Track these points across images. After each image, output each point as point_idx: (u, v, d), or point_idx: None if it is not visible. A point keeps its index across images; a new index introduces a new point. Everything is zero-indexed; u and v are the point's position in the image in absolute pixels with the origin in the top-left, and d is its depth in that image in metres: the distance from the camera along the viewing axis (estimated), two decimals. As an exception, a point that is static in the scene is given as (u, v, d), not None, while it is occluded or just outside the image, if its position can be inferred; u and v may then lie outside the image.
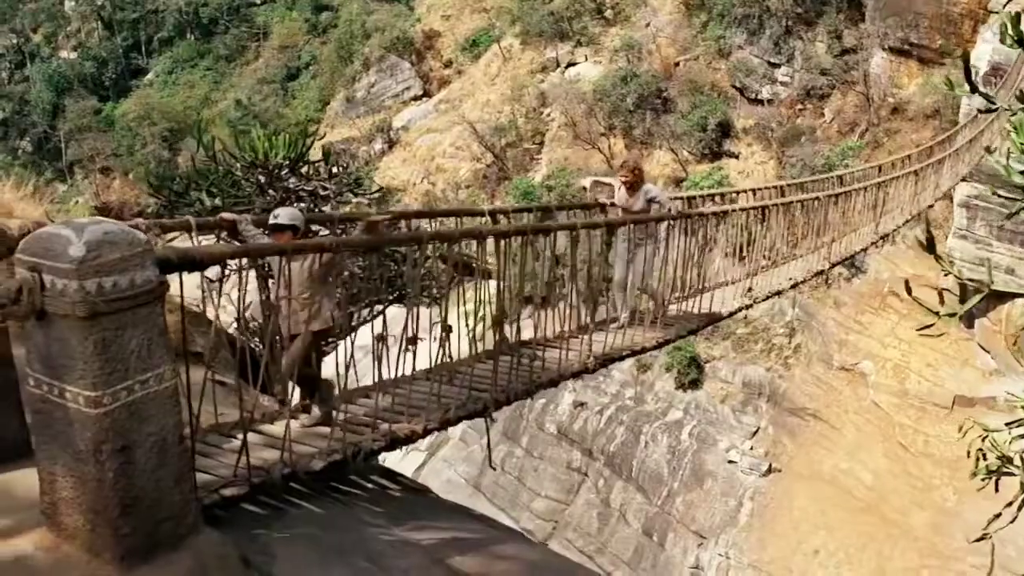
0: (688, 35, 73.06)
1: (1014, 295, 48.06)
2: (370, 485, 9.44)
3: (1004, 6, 37.41)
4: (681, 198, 18.81)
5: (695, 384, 52.32)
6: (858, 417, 47.70)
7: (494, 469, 51.62)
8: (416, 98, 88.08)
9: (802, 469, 47.49)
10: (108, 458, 6.45)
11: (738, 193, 21.92)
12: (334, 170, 16.31)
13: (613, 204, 16.53)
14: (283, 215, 9.89)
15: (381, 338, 9.94)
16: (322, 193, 15.25)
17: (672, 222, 15.59)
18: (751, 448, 49.47)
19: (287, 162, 15.31)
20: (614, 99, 69.62)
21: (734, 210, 18.19)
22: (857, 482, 45.65)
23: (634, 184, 15.84)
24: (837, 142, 61.50)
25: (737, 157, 65.61)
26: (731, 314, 18.05)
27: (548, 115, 75.77)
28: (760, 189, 22.59)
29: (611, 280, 15.96)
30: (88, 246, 6.34)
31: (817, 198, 22.11)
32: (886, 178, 27.39)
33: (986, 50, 51.12)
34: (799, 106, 65.51)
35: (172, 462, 6.82)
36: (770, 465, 48.35)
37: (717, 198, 19.90)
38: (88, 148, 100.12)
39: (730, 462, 49.07)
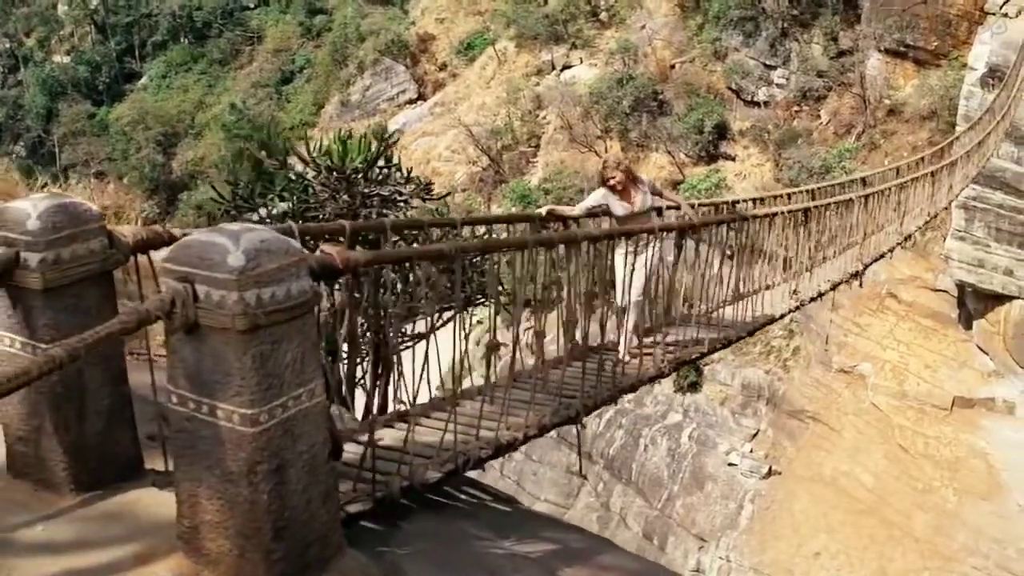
0: (684, 37, 73.13)
1: (1012, 297, 48.12)
2: (462, 496, 9.20)
3: (1001, 7, 37.73)
4: (715, 204, 18.83)
5: (694, 387, 52.31)
6: (858, 419, 47.69)
7: (585, 479, 51.34)
8: (411, 101, 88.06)
9: (802, 471, 47.51)
10: (263, 479, 6.17)
11: (775, 198, 21.81)
12: (407, 174, 16.08)
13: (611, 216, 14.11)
14: None
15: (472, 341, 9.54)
16: (399, 199, 15.11)
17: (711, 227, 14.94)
18: (751, 451, 49.50)
19: (364, 166, 15.17)
20: (610, 102, 69.67)
21: (782, 212, 18.13)
22: (857, 484, 45.64)
23: (627, 183, 13.75)
24: (834, 144, 61.55)
25: (734, 159, 65.68)
26: (782, 315, 18.16)
27: (544, 118, 75.84)
28: (781, 195, 22.64)
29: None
30: (247, 255, 6.00)
31: (851, 199, 22.21)
32: (908, 179, 27.44)
33: (983, 51, 51.07)
34: (795, 108, 65.56)
35: (321, 481, 6.56)
36: (770, 468, 48.37)
37: (750, 202, 19.70)
38: (82, 152, 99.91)
39: (730, 465, 49.10)
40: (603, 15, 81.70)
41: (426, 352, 8.39)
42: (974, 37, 55.61)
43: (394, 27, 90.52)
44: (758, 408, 50.74)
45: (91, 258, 7.05)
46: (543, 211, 13.35)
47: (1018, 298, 48.33)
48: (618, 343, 13.09)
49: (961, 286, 49.86)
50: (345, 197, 14.65)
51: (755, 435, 50.01)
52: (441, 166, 76.66)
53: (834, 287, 20.75)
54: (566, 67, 79.57)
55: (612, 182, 13.57)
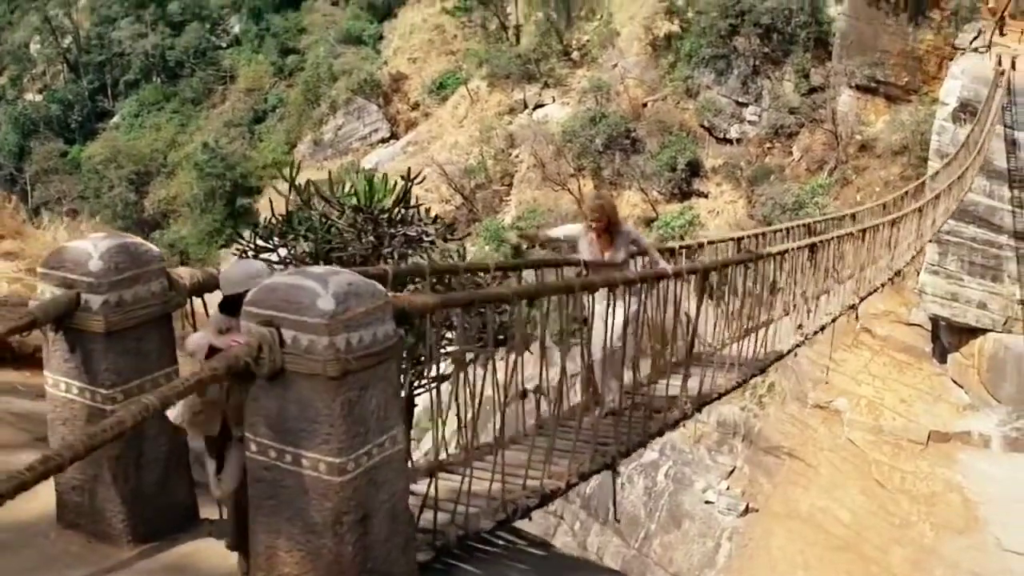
0: (656, 76, 73.33)
1: (986, 330, 48.26)
2: (500, 541, 8.99)
3: (971, 43, 37.99)
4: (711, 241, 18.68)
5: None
6: (834, 455, 47.66)
7: (618, 522, 50.96)
8: (384, 140, 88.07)
9: (779, 508, 47.39)
10: (348, 530, 6.00)
11: (767, 234, 21.82)
12: (431, 215, 15.92)
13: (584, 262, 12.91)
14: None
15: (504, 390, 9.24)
16: (426, 240, 14.98)
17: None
18: (727, 488, 49.36)
19: (394, 207, 15.04)
20: (583, 140, 69.79)
21: (793, 248, 18.11)
22: (835, 520, 45.54)
23: (609, 229, 12.62)
24: (806, 180, 61.80)
25: (707, 196, 65.83)
26: (790, 351, 17.95)
27: (517, 156, 75.90)
28: (773, 231, 22.75)
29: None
30: (337, 298, 5.90)
31: (850, 233, 22.46)
32: (899, 214, 27.64)
33: (955, 86, 51.40)
34: (768, 145, 65.83)
35: (401, 530, 6.46)
36: (747, 505, 48.22)
37: (749, 239, 19.68)
38: (55, 191, 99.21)
39: (707, 503, 48.92)
40: (575, 54, 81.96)
41: (458, 397, 8.15)
42: (944, 72, 56.06)
43: (367, 66, 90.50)
44: (734, 445, 50.65)
45: (152, 300, 6.94)
46: (514, 237, 14.26)
47: (992, 331, 48.52)
48: (604, 395, 12.45)
49: (935, 320, 50.05)
50: (371, 237, 14.53)
51: (731, 472, 49.90)
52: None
53: (834, 320, 20.76)
54: (538, 106, 79.72)
55: (591, 223, 12.56)
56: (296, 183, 14.62)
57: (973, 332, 49.20)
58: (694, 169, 66.47)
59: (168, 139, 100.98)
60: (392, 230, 14.74)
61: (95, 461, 6.65)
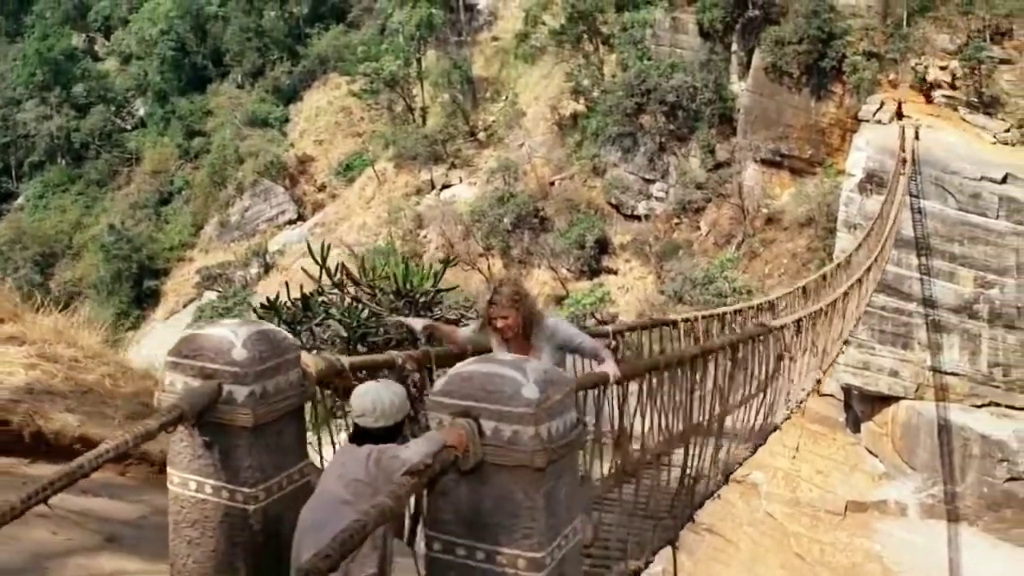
0: (563, 154, 73.81)
1: (898, 397, 48.66)
2: None
3: (874, 115, 38.63)
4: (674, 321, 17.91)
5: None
6: (753, 529, 47.54)
7: None
8: (291, 222, 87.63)
9: (700, 584, 47.15)
10: None
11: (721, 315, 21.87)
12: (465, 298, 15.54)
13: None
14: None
15: None
16: (464, 322, 14.57)
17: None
18: (647, 566, 48.97)
19: (433, 290, 14.64)
20: (491, 219, 69.95)
21: (791, 323, 18.17)
22: (756, 596, 45.42)
23: (525, 326, 8.85)
24: (715, 254, 62.30)
25: (616, 273, 66.09)
26: (782, 422, 17.96)
27: (425, 237, 75.82)
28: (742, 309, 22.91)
29: None
30: (539, 386, 5.61)
31: (822, 309, 22.79)
32: (845, 289, 27.91)
33: (860, 158, 52.30)
34: (675, 220, 66.32)
35: None
36: (667, 581, 47.84)
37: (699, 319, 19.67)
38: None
39: (626, 580, 48.47)
40: (481, 135, 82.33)
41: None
42: (847, 144, 57.02)
43: (273, 149, 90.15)
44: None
45: (291, 391, 6.55)
46: (418, 326, 9.99)
47: (904, 398, 48.95)
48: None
49: (847, 389, 50.43)
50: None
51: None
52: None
53: (808, 394, 20.84)
54: (445, 186, 79.85)
55: (497, 323, 8.74)
56: (326, 265, 14.29)
57: (885, 400, 49.66)
58: (603, 246, 66.79)
59: (73, 221, 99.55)
60: (428, 313, 14.40)
61: (231, 566, 6.31)
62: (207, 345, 6.24)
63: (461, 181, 79.70)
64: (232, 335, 6.26)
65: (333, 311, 14.49)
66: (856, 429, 50.80)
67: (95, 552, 7.51)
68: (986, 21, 58.33)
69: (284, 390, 6.44)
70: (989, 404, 49.90)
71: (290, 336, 6.80)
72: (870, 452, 49.87)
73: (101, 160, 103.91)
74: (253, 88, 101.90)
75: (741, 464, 14.49)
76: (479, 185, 76.60)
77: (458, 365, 6.02)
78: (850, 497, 47.25)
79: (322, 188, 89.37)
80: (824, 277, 29.53)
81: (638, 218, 67.52)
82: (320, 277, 14.43)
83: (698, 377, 11.41)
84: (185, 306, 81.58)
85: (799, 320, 19.43)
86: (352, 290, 14.57)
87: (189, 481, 6.32)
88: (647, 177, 68.11)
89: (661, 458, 10.89)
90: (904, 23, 60.40)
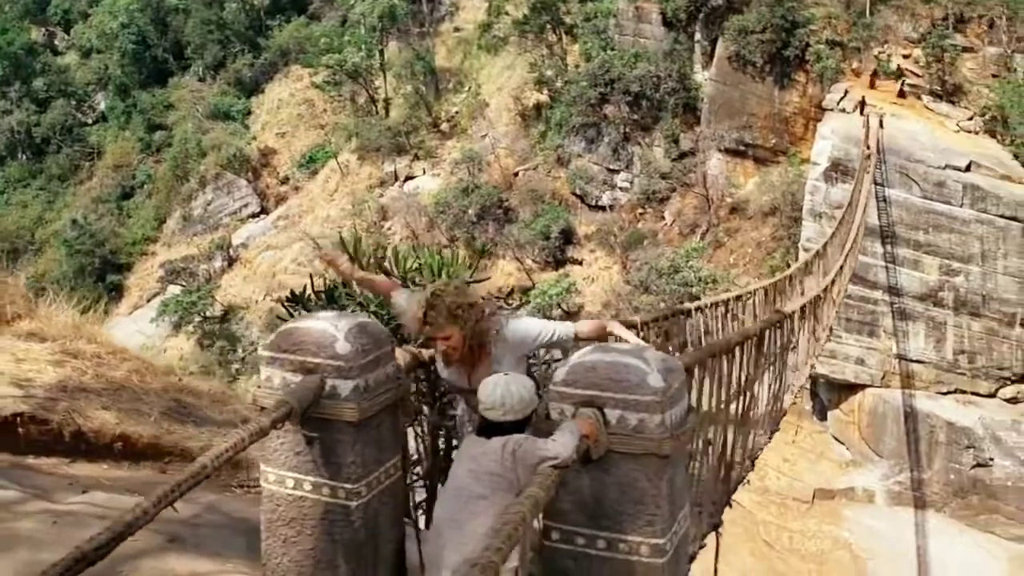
0: (526, 145, 73.72)
1: (864, 385, 48.76)
2: None
3: (838, 103, 38.69)
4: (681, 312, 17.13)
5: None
6: (720, 517, 47.59)
7: None
8: (254, 215, 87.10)
9: (667, 572, 47.11)
10: None
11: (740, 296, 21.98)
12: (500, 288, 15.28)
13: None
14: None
15: None
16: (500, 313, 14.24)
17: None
18: (699, 550, 49.01)
19: (473, 280, 14.32)
20: (456, 211, 69.80)
21: (791, 313, 18.24)
22: (724, 583, 45.35)
23: (473, 343, 7.00)
24: (680, 244, 62.32)
25: (581, 263, 66.02)
26: (790, 405, 17.94)
27: (389, 228, 75.59)
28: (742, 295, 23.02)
29: None
30: (663, 374, 5.64)
31: (819, 296, 23.25)
32: (833, 276, 28.25)
33: (825, 146, 52.40)
34: (640, 210, 66.30)
35: None
36: (634, 569, 47.90)
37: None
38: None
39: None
40: (444, 126, 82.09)
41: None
42: (811, 133, 57.10)
43: (235, 142, 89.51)
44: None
45: (390, 384, 6.51)
46: (345, 266, 8.40)
47: (870, 386, 49.07)
48: None
49: (813, 378, 50.39)
50: None
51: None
52: (288, 279, 75.63)
53: (805, 380, 21.12)
54: (409, 178, 79.62)
55: (440, 345, 6.96)
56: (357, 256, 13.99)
57: (852, 388, 49.80)
58: (568, 237, 66.73)
59: (35, 216, 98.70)
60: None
61: (330, 564, 6.20)
62: (308, 339, 6.17)
63: (425, 172, 79.48)
64: (333, 328, 6.18)
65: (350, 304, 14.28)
66: (823, 417, 50.95)
67: (162, 553, 7.45)
68: (948, 9, 58.58)
69: (383, 383, 6.41)
70: (955, 391, 50.17)
71: (384, 328, 6.81)
72: (837, 440, 50.02)
73: (62, 155, 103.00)
74: (214, 81, 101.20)
75: (763, 449, 14.50)
76: (443, 176, 76.44)
77: (578, 354, 6.04)
78: (818, 485, 47.36)
79: (285, 181, 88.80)
80: (807, 265, 29.62)
81: (603, 208, 67.45)
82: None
83: (736, 364, 11.16)
84: (149, 300, 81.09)
85: (803, 306, 19.51)
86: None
87: (286, 479, 6.25)
88: (611, 167, 68.08)
89: (705, 446, 10.90)
90: (867, 11, 60.60)
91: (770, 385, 15.64)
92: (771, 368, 15.08)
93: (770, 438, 15.75)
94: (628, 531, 5.63)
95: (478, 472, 5.77)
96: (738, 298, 20.72)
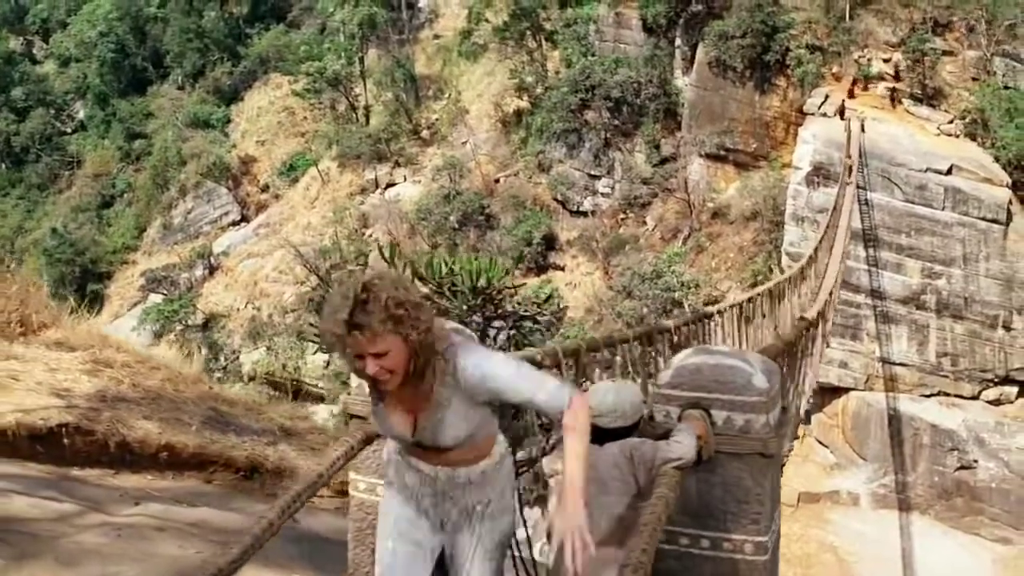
0: (507, 151, 73.75)
1: (848, 389, 48.82)
2: None
3: (819, 107, 38.74)
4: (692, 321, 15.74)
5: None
6: (705, 521, 47.63)
7: None
8: (235, 223, 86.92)
9: (652, 577, 47.09)
10: None
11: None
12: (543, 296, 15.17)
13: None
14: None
15: None
16: (540, 320, 14.16)
17: None
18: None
19: (509, 288, 14.19)
20: (437, 217, 69.77)
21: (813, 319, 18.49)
22: (707, 586, 45.39)
23: (416, 364, 4.78)
24: (662, 249, 62.33)
25: (563, 269, 66.01)
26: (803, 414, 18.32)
27: (371, 236, 75.41)
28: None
29: None
30: (766, 376, 5.71)
31: (827, 301, 23.78)
32: (832, 284, 28.78)
33: (807, 151, 52.48)
34: (621, 216, 66.34)
35: None
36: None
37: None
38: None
39: None
40: (425, 133, 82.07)
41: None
42: (791, 138, 57.20)
43: (215, 150, 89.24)
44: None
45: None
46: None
47: (854, 389, 49.15)
48: None
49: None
50: (477, 317, 13.78)
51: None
52: (269, 287, 75.74)
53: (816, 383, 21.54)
54: (390, 185, 79.51)
55: (365, 365, 4.70)
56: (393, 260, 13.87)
57: (835, 391, 49.85)
58: (549, 243, 66.71)
59: (15, 225, 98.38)
60: (500, 310, 13.99)
61: None
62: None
63: (406, 180, 79.38)
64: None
65: None
66: (807, 420, 50.87)
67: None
68: (927, 13, 58.71)
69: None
70: (938, 394, 50.33)
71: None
72: (821, 443, 50.07)
73: (42, 164, 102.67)
74: (194, 89, 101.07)
75: (787, 458, 14.65)
76: (424, 183, 76.37)
77: (680, 357, 6.11)
78: (802, 488, 47.39)
79: (265, 189, 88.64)
80: (801, 270, 29.80)
81: (584, 214, 67.49)
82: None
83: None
84: (130, 309, 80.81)
85: (819, 312, 19.75)
86: (425, 289, 14.17)
87: (377, 487, 6.20)
88: (592, 173, 68.10)
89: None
90: (847, 16, 60.65)
91: (795, 388, 15.78)
92: (798, 374, 15.21)
93: (791, 448, 15.86)
94: (732, 530, 5.70)
95: (598, 478, 5.74)
96: (750, 300, 20.87)
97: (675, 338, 13.18)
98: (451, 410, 4.86)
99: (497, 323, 14.53)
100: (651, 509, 4.85)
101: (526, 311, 14.60)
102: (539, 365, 6.98)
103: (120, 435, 9.69)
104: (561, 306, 61.30)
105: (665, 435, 5.77)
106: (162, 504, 8.72)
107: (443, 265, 14.65)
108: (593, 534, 5.49)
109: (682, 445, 5.54)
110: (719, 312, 18.27)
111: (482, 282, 14.42)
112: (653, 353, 10.55)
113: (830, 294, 25.30)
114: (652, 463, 5.57)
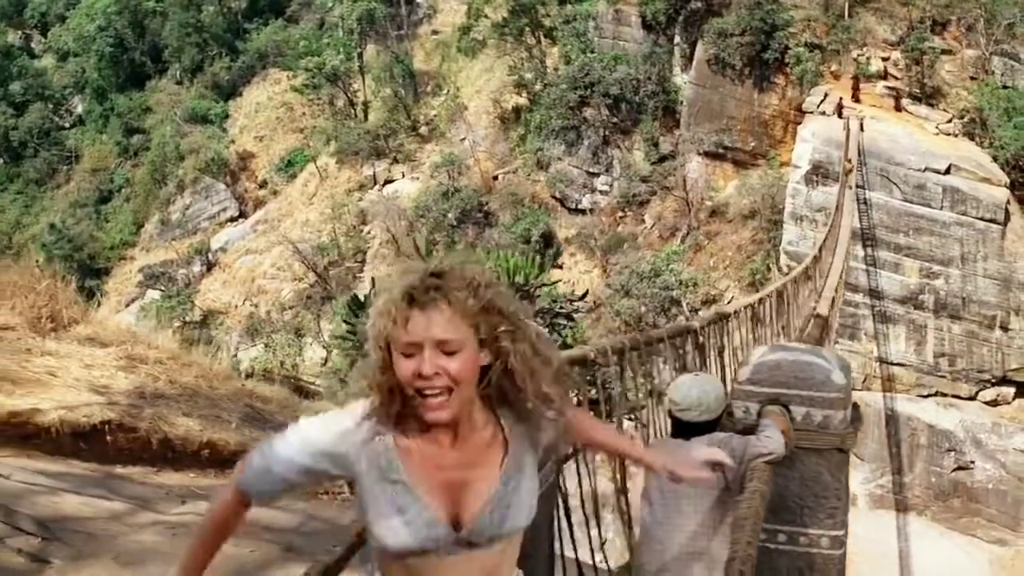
0: (506, 148, 73.69)
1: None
2: None
3: (818, 106, 38.68)
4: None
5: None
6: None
7: None
8: (232, 219, 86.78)
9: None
10: None
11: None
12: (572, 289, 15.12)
13: None
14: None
15: None
16: (575, 315, 14.12)
17: None
18: (601, 561, 48.92)
19: (545, 284, 14.16)
20: (435, 214, 69.69)
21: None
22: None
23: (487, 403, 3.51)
24: (660, 247, 62.27)
25: (561, 267, 65.89)
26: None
27: (369, 233, 75.46)
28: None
29: None
30: (843, 372, 5.84)
31: (834, 298, 24.05)
32: (838, 282, 29.00)
33: (806, 149, 52.39)
34: (620, 214, 66.28)
35: None
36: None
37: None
38: None
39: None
40: (423, 129, 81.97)
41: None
42: (790, 136, 57.14)
43: (213, 145, 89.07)
44: (604, 517, 50.25)
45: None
46: None
47: (853, 389, 49.04)
48: None
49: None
50: None
51: (604, 544, 49.46)
52: (267, 283, 75.69)
53: None
54: (388, 181, 79.36)
55: (429, 401, 3.29)
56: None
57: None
58: (548, 240, 66.55)
59: (12, 220, 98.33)
60: (536, 307, 13.92)
61: None
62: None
63: (404, 176, 79.27)
64: (818, 359, 6.16)
65: None
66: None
67: (285, 562, 7.59)
68: (926, 12, 58.69)
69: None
70: (935, 394, 50.32)
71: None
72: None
73: (40, 158, 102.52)
74: (192, 84, 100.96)
75: None
76: (422, 180, 76.29)
77: (759, 353, 6.18)
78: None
79: (263, 184, 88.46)
80: (806, 269, 29.87)
81: (583, 212, 67.50)
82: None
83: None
84: (127, 305, 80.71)
85: (831, 310, 20.03)
86: None
87: None
88: (591, 170, 68.09)
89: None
90: (846, 14, 60.68)
91: None
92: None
93: None
94: (809, 524, 5.81)
95: None
96: (761, 301, 20.95)
97: (699, 338, 13.21)
98: (526, 477, 3.46)
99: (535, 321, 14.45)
100: (747, 503, 4.85)
101: (561, 307, 14.60)
102: (592, 363, 6.93)
103: (162, 432, 9.74)
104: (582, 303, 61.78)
105: (746, 430, 5.89)
106: (208, 502, 8.73)
107: (503, 262, 14.63)
108: (682, 528, 5.67)
109: (772, 440, 5.60)
110: (735, 313, 18.31)
111: (519, 279, 14.42)
112: (682, 352, 10.46)
113: (835, 293, 25.29)
114: (742, 458, 5.61)
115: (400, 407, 3.35)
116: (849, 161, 48.63)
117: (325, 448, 3.46)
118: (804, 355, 5.89)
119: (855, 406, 6.22)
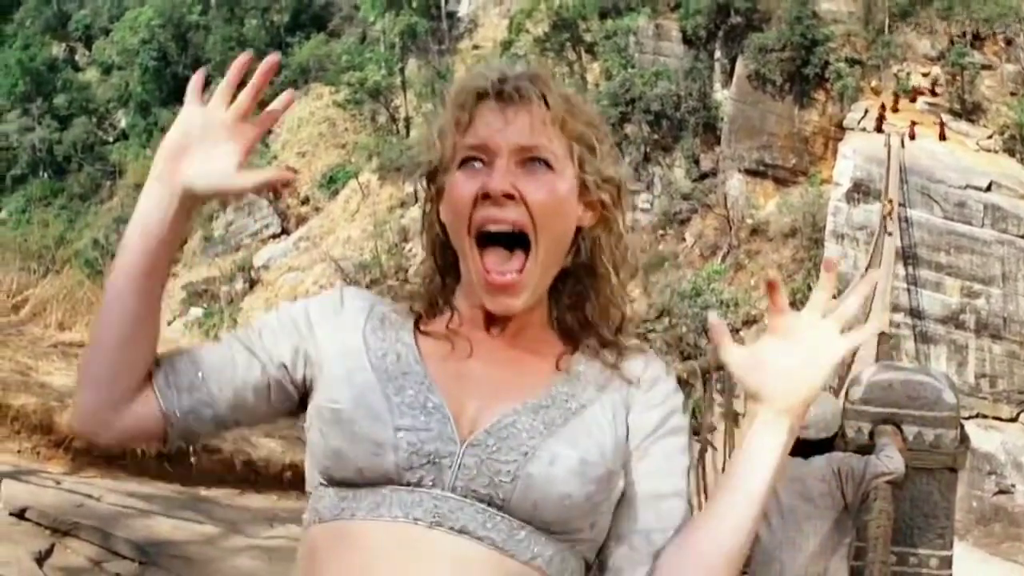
0: (547, 165, 73.48)
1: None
2: None
3: (859, 122, 38.53)
4: None
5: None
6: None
7: None
8: (275, 236, 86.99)
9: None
10: None
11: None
12: None
13: None
14: None
15: None
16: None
17: None
18: None
19: None
20: (477, 233, 69.60)
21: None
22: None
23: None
24: (700, 266, 61.98)
25: (600, 286, 65.78)
26: None
27: (410, 250, 75.37)
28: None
29: None
30: (953, 391, 5.89)
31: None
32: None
33: (847, 167, 52.05)
34: (660, 232, 66.00)
35: None
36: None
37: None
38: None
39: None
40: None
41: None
42: (831, 153, 56.80)
43: (255, 161, 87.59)
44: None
45: None
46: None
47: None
48: None
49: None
50: None
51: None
52: (310, 301, 75.77)
53: None
54: (430, 199, 79.27)
55: (473, 188, 1.95)
56: None
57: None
58: (585, 258, 66.42)
59: (57, 235, 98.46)
60: None
61: None
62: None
63: (446, 193, 79.21)
64: (926, 378, 6.27)
65: None
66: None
67: None
68: (966, 26, 58.25)
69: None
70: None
71: None
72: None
73: (84, 173, 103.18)
74: (235, 99, 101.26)
75: None
76: (465, 198, 76.17)
77: (870, 372, 6.24)
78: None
79: (306, 201, 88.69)
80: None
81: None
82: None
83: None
84: (170, 323, 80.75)
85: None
86: None
87: None
88: (632, 188, 67.87)
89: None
90: (886, 29, 60.31)
91: None
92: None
93: None
94: (919, 544, 5.79)
95: (806, 493, 5.85)
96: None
97: None
98: (592, 412, 1.94)
99: None
100: (876, 523, 4.99)
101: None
102: (684, 383, 6.68)
103: (246, 454, 9.73)
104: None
105: (861, 449, 5.89)
106: (296, 526, 8.71)
107: None
108: (802, 550, 5.69)
109: (893, 459, 5.64)
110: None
111: None
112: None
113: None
114: (862, 477, 5.64)
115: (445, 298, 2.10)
116: (890, 202, 47.98)
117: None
118: (915, 374, 5.96)
119: (962, 426, 6.25)
